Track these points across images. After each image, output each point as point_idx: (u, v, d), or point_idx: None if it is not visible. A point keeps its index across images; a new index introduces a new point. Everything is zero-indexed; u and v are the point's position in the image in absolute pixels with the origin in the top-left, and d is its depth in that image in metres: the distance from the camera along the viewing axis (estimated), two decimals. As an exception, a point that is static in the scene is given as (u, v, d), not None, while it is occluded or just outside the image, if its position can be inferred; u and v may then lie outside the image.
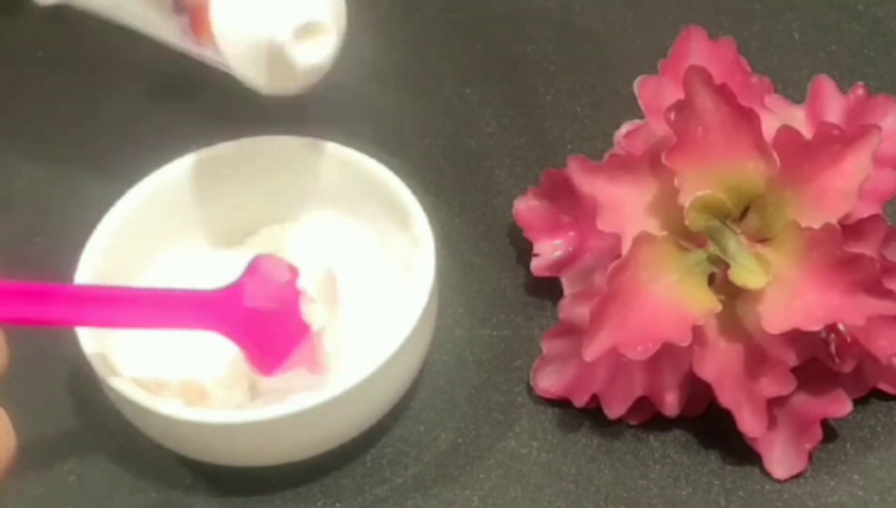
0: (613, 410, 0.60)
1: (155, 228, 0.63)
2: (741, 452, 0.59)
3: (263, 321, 0.58)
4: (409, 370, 0.60)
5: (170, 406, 0.57)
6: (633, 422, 0.60)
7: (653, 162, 0.57)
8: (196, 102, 0.73)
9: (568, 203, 0.63)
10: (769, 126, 0.57)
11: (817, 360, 0.57)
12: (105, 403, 0.59)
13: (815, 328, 0.55)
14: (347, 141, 0.64)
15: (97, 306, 0.56)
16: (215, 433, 0.56)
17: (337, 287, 0.61)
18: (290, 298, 0.59)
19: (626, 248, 0.56)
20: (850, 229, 0.57)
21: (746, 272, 0.56)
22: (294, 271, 0.59)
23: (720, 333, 0.57)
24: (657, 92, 0.60)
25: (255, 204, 0.65)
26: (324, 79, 0.74)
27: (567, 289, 0.62)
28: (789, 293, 0.55)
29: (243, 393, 0.60)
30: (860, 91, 0.61)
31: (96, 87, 0.75)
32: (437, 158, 0.70)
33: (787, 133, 0.56)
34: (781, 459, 0.59)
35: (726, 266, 0.56)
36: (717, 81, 0.56)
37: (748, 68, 0.61)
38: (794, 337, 0.56)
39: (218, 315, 0.57)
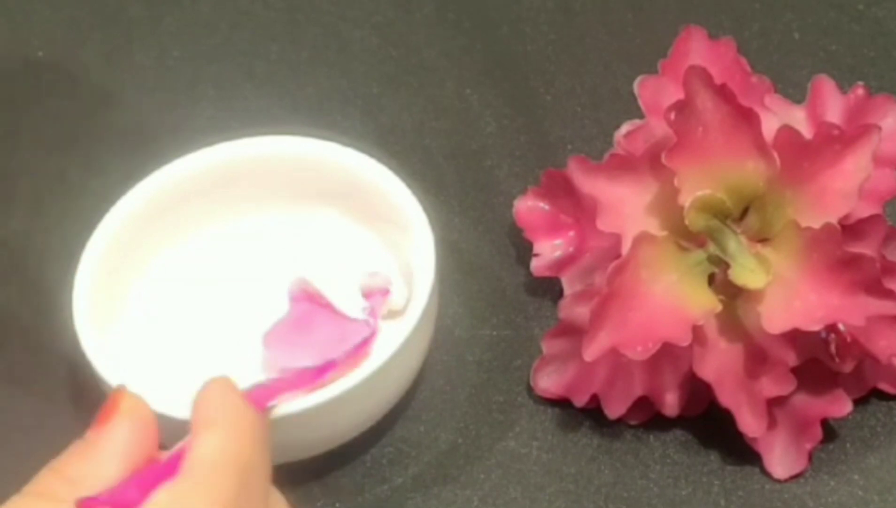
0: (613, 410, 0.60)
1: (155, 228, 0.63)
2: (741, 452, 0.59)
3: None
4: (409, 370, 0.60)
5: (170, 406, 0.56)
6: (633, 422, 0.60)
7: (653, 162, 0.57)
8: (196, 102, 0.73)
9: (568, 203, 0.63)
10: (769, 126, 0.57)
11: (817, 360, 0.57)
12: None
13: (815, 327, 0.55)
14: (347, 141, 0.64)
15: None
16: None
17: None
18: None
19: (626, 248, 0.56)
20: (850, 229, 0.57)
21: (746, 272, 0.56)
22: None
23: (720, 333, 0.57)
24: (657, 92, 0.60)
25: (255, 204, 0.65)
26: (324, 79, 0.74)
27: (567, 289, 0.62)
28: (789, 293, 0.55)
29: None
30: (860, 91, 0.61)
31: (96, 86, 0.75)
32: (437, 158, 0.70)
33: (787, 133, 0.56)
34: (781, 459, 0.59)
35: (726, 266, 0.56)
36: (717, 81, 0.56)
37: (748, 68, 0.61)
38: (794, 337, 0.56)
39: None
